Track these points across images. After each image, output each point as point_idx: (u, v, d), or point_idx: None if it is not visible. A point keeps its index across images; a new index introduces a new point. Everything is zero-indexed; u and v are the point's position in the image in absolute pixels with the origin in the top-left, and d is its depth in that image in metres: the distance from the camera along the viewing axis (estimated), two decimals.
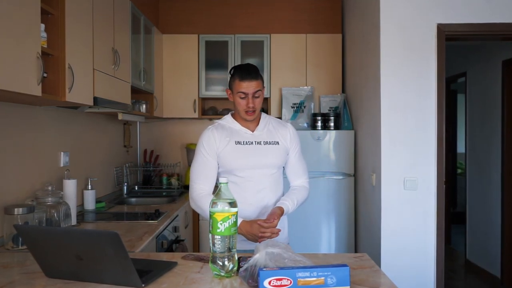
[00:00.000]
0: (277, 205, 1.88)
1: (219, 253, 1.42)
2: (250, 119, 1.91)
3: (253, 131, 1.95)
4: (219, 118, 2.08)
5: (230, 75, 1.93)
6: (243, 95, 1.86)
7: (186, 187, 3.81)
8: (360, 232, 3.61)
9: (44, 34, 1.93)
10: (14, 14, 1.62)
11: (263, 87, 1.92)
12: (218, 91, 4.17)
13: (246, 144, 1.91)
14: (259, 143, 1.92)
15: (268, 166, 1.92)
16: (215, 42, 4.16)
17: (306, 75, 4.16)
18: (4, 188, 2.07)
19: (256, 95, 1.87)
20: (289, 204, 1.89)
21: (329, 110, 4.04)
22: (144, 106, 3.60)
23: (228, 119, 1.99)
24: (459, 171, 6.54)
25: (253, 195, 1.90)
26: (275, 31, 4.15)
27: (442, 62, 2.89)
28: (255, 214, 1.91)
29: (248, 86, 1.85)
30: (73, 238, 1.35)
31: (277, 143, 1.94)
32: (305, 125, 4.02)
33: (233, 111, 2.00)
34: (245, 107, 1.87)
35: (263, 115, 2.01)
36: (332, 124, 3.87)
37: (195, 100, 4.14)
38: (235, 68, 1.92)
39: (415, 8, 2.89)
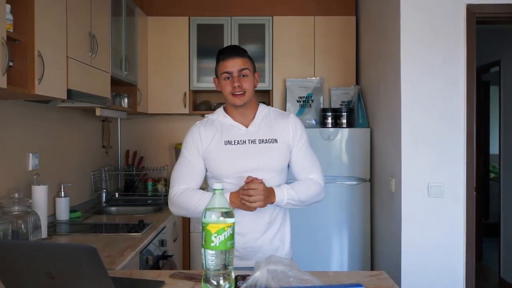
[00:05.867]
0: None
1: (213, 271, 1.42)
2: (239, 103, 1.88)
3: (247, 127, 1.93)
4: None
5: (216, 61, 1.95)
6: (227, 75, 1.87)
7: None
8: (377, 246, 3.61)
9: (10, 17, 1.92)
10: None
11: (254, 70, 1.93)
12: (211, 82, 4.10)
13: (238, 143, 1.89)
14: (253, 141, 1.90)
15: (264, 170, 1.88)
16: (209, 25, 4.16)
17: (314, 64, 4.16)
18: None
19: (243, 74, 1.87)
20: (284, 189, 1.86)
21: (341, 105, 4.05)
22: (126, 100, 3.60)
23: (219, 113, 1.98)
24: (492, 175, 6.53)
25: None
26: (278, 12, 4.15)
27: (472, 49, 2.89)
28: (251, 230, 1.90)
29: (233, 64, 1.86)
30: (43, 254, 1.34)
31: (276, 141, 1.91)
32: (313, 122, 4.02)
33: (226, 104, 2.00)
34: (231, 88, 1.87)
35: (262, 106, 1.99)
36: (344, 121, 3.87)
37: (185, 93, 4.14)
38: (219, 51, 1.94)
39: None
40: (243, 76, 1.87)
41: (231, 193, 1.82)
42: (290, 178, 2.05)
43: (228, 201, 1.63)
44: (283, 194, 1.85)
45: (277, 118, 1.97)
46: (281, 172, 1.95)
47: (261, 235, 1.92)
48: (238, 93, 1.87)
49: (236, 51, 1.89)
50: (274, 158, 1.91)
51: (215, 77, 1.97)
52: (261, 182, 1.78)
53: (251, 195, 1.76)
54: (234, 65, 1.87)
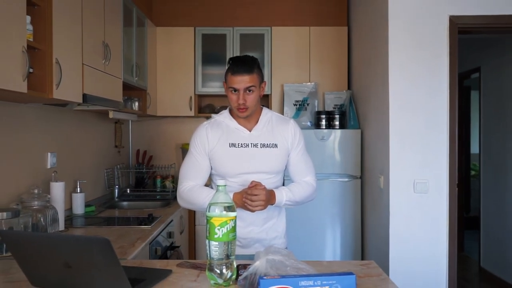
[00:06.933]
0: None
1: (217, 261, 1.42)
2: (242, 116, 1.88)
3: (250, 131, 1.92)
4: None
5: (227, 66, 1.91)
6: (234, 91, 1.85)
7: None
8: (367, 238, 3.62)
9: (30, 27, 1.93)
10: None
11: (262, 81, 1.90)
12: (215, 87, 4.17)
13: (241, 146, 1.89)
14: (255, 145, 1.89)
15: (264, 172, 1.89)
16: (213, 35, 4.16)
17: (309, 70, 4.16)
18: None
19: (249, 89, 1.84)
20: (284, 192, 1.87)
21: (334, 108, 4.05)
22: (136, 103, 3.60)
23: (225, 115, 1.97)
24: (472, 173, 6.53)
25: None
26: (276, 23, 4.16)
27: (454, 56, 2.89)
28: (250, 224, 1.91)
29: (240, 81, 1.82)
30: (60, 245, 1.35)
31: (276, 145, 1.91)
32: (309, 123, 4.02)
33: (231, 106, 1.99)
34: (236, 103, 1.85)
35: (265, 110, 1.98)
36: (337, 122, 3.88)
37: (191, 97, 4.15)
38: (231, 59, 1.90)
39: None
40: (249, 93, 1.84)
41: (234, 194, 1.81)
42: (286, 176, 2.06)
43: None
44: (282, 197, 1.86)
45: (278, 123, 1.96)
46: (279, 173, 1.97)
47: (260, 227, 1.93)
48: (242, 108, 1.85)
49: (245, 67, 1.83)
50: (274, 161, 1.92)
51: (224, 82, 1.92)
52: (264, 188, 1.78)
53: (254, 200, 1.76)
54: (241, 83, 1.82)
